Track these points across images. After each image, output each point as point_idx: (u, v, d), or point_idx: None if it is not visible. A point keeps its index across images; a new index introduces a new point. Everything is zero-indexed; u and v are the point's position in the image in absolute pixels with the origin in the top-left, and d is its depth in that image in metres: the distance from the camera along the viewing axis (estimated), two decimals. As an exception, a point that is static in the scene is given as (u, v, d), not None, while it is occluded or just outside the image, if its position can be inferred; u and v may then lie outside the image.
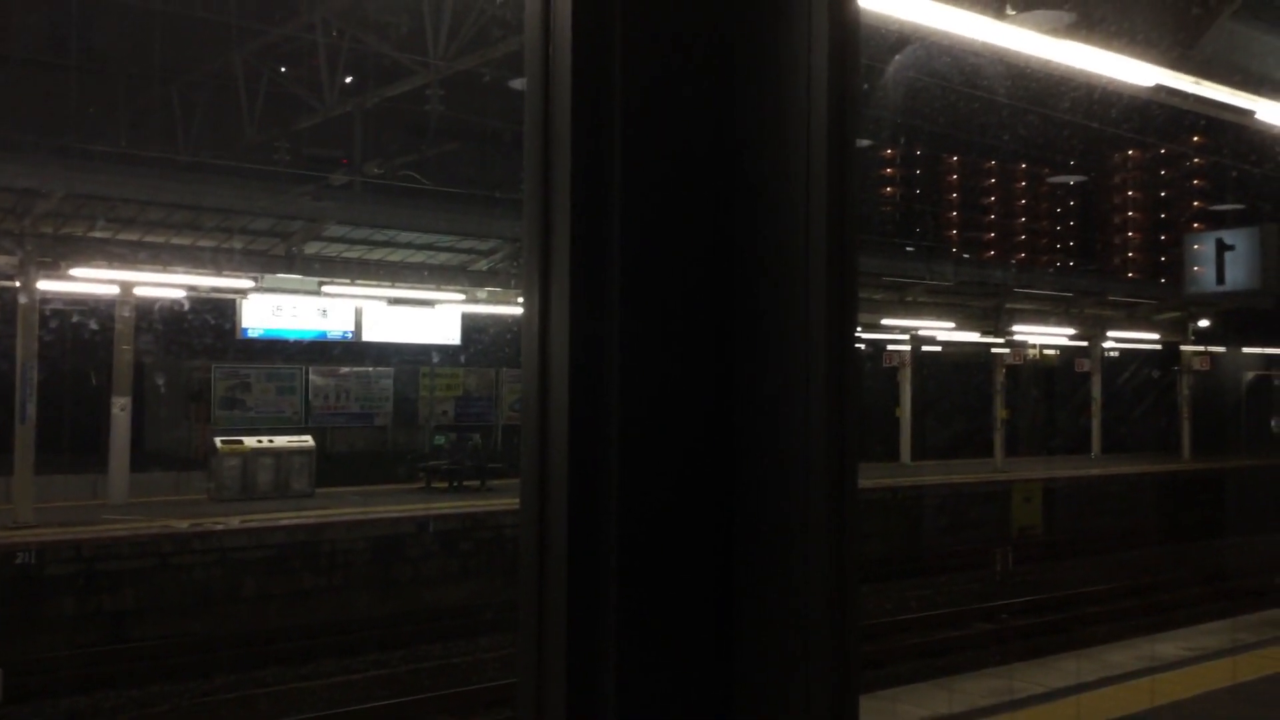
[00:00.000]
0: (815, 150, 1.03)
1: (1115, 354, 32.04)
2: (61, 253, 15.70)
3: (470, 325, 21.10)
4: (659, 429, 1.05)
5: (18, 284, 15.44)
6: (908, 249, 32.91)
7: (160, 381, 23.84)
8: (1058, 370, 32.03)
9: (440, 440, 21.32)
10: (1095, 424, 29.90)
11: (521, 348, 1.12)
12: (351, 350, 21.49)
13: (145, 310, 18.48)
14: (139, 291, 17.08)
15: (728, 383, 1.08)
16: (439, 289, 19.42)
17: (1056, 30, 6.02)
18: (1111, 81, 7.15)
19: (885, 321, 23.97)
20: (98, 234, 16.39)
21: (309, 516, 15.46)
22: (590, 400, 1.03)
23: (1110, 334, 29.25)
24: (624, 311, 1.04)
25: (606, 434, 1.03)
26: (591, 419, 1.03)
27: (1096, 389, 29.81)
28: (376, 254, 19.30)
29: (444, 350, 21.97)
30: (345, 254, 19.14)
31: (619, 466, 1.03)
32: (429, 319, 19.83)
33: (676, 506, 1.05)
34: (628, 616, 1.02)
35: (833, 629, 0.99)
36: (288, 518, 15.30)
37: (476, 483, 19.60)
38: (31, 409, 15.08)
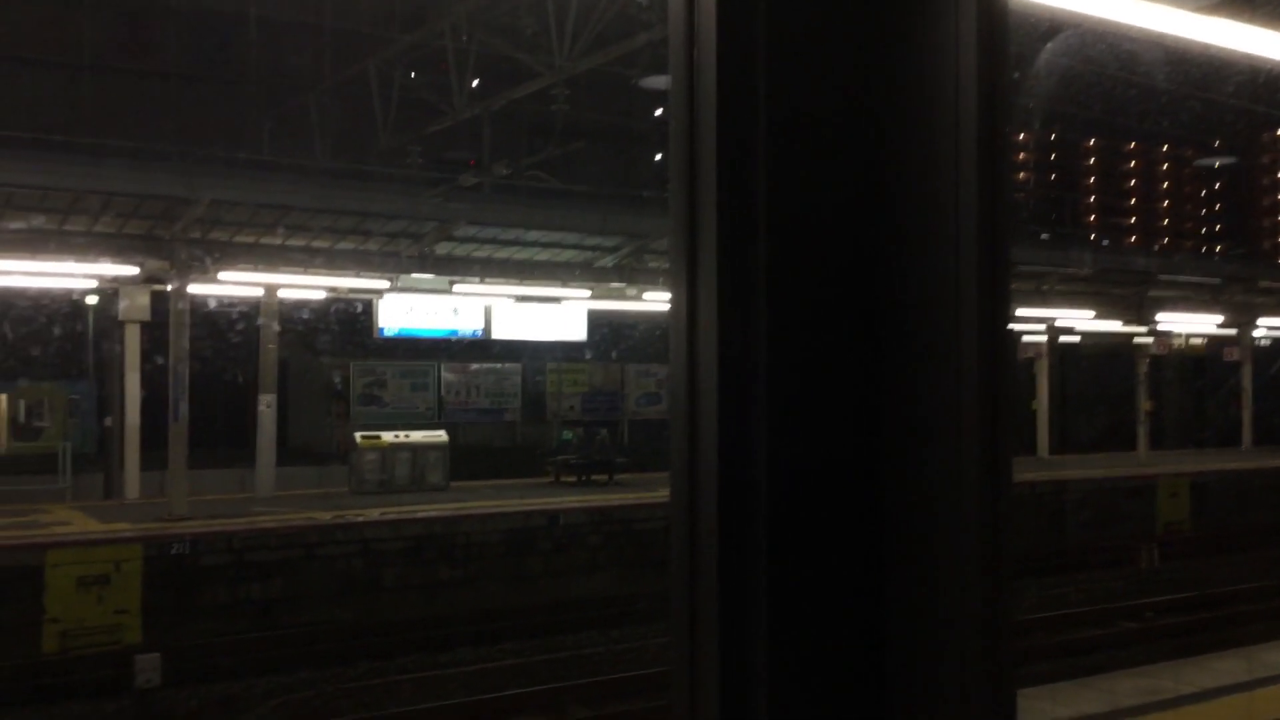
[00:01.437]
0: (964, 143, 1.02)
1: (1267, 342, 30.50)
2: (209, 257, 16.42)
3: (596, 321, 21.31)
4: (807, 423, 1.06)
5: (169, 287, 16.20)
6: (1043, 236, 31.91)
7: (302, 379, 24.74)
8: (1205, 359, 30.66)
9: (568, 435, 21.60)
10: (1246, 415, 28.54)
11: (670, 343, 1.14)
12: (482, 348, 21.92)
13: (288, 311, 19.20)
14: (282, 293, 17.75)
15: (876, 377, 1.08)
16: (565, 286, 19.66)
17: (1202, 7, 5.77)
18: (1261, 58, 6.82)
19: (1020, 312, 23.31)
20: (243, 239, 17.10)
21: (444, 509, 15.86)
22: (739, 395, 1.04)
23: (1261, 321, 27.86)
24: (771, 306, 1.05)
25: (755, 428, 1.04)
26: (740, 413, 1.04)
27: (1247, 379, 28.44)
28: (503, 253, 19.65)
29: (570, 346, 22.23)
30: (474, 253, 19.54)
31: (767, 459, 1.04)
32: (555, 316, 20.10)
33: (826, 499, 1.06)
34: (779, 607, 1.03)
35: (988, 624, 0.99)
36: (424, 510, 15.73)
37: (604, 477, 19.79)
38: (184, 407, 15.80)
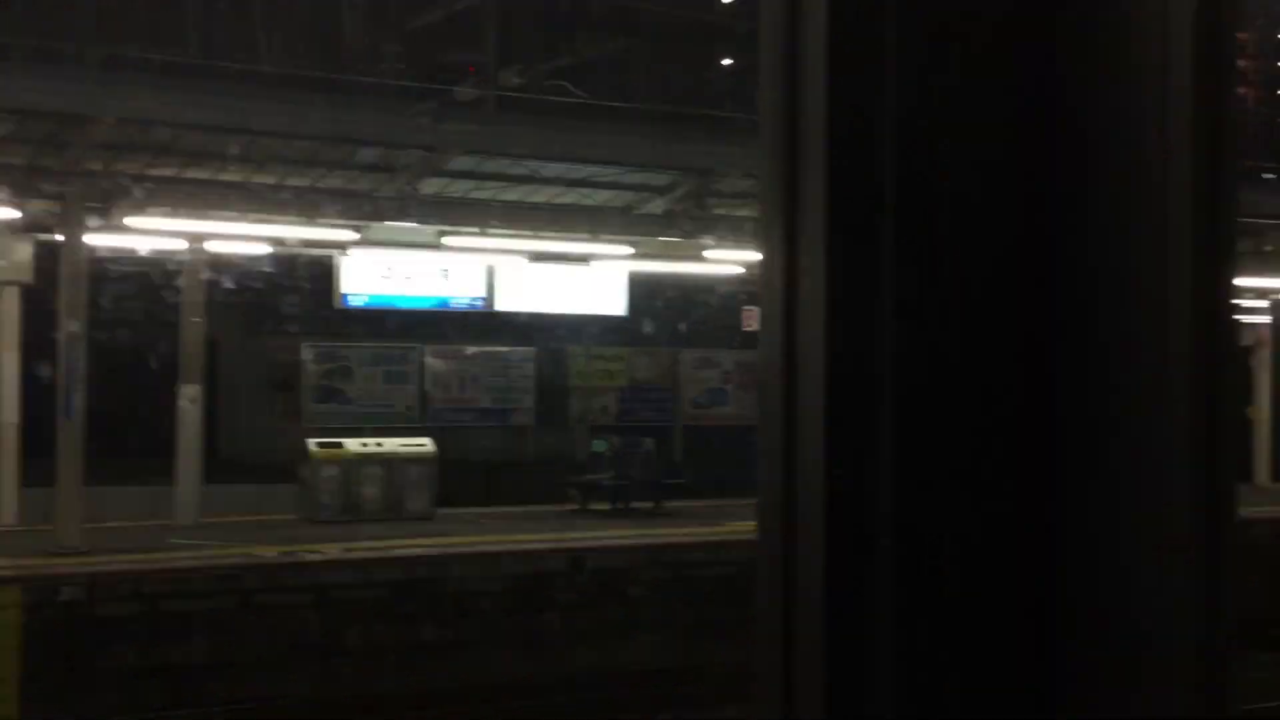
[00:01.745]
0: (1176, 48, 1.01)
1: None
2: (113, 196, 16.54)
3: (640, 288, 21.28)
4: (950, 435, 1.05)
5: (60, 238, 16.30)
6: (1265, 175, 31.43)
7: (237, 365, 24.91)
8: None
9: (600, 446, 21.63)
10: None
11: (760, 319, 1.14)
12: (483, 324, 21.98)
13: (219, 271, 19.34)
14: (212, 247, 17.86)
15: (1044, 372, 1.07)
16: (596, 239, 19.66)
17: None
18: None
19: (1234, 282, 22.99)
20: (159, 171, 17.23)
21: (430, 545, 15.95)
22: (854, 406, 1.04)
23: None
24: (900, 284, 1.04)
25: (877, 449, 1.04)
26: (856, 430, 1.04)
27: None
28: (513, 194, 19.67)
29: (604, 323, 22.24)
30: (473, 194, 19.57)
31: (894, 495, 1.04)
32: (583, 280, 20.12)
33: (977, 541, 1.05)
34: (910, 705, 1.03)
35: (1208, 705, 0.98)
36: (403, 546, 15.83)
37: (649, 504, 19.82)
38: (78, 400, 15.89)
